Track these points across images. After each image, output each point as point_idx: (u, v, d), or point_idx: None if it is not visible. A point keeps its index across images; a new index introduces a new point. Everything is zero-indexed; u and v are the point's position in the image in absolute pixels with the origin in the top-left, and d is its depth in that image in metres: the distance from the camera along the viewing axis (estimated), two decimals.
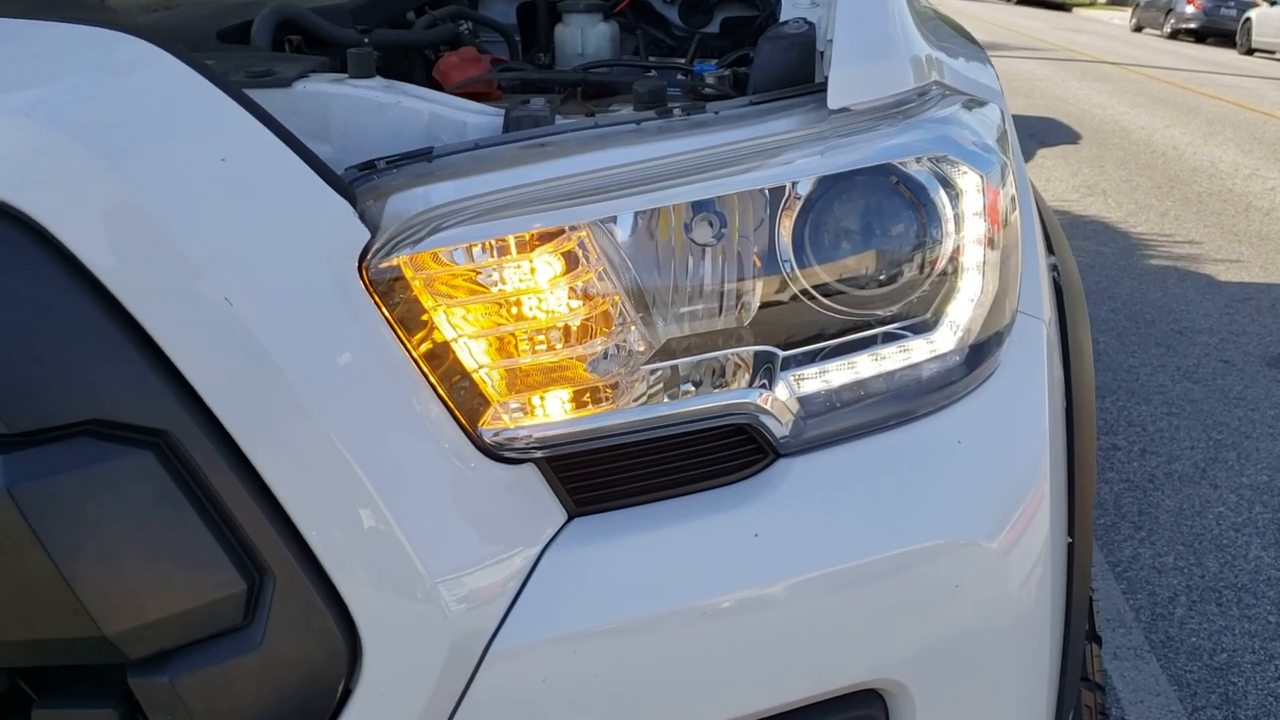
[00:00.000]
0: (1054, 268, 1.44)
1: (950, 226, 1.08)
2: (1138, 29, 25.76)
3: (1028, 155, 8.98)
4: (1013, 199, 1.13)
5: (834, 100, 1.12)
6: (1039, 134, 10.09)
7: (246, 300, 0.86)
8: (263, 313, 0.87)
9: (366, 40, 1.64)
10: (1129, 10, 27.21)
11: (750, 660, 0.99)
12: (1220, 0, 21.82)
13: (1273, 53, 19.26)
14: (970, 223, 1.09)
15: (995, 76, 1.59)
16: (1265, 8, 19.51)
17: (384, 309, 0.94)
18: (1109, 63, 17.55)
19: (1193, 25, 22.70)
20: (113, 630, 0.84)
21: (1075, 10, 34.77)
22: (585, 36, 1.96)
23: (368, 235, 0.95)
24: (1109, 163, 9.01)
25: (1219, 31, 21.70)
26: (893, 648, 1.03)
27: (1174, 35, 23.45)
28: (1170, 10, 23.68)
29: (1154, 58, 18.75)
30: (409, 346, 0.96)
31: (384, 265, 0.94)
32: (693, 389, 1.06)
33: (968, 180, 1.08)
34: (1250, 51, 19.76)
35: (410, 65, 1.82)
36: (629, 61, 1.80)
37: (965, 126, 1.11)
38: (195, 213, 0.86)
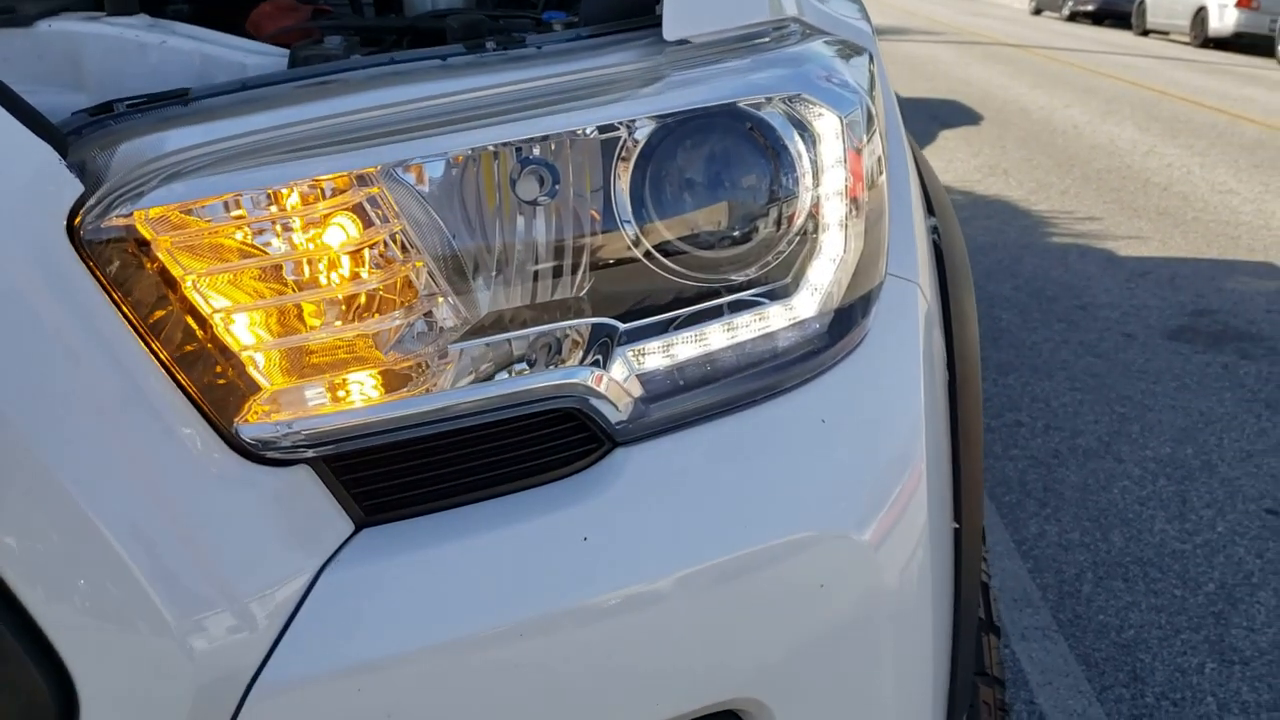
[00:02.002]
0: (934, 229, 1.31)
1: (807, 177, 0.94)
2: (1037, 12, 26.21)
3: (930, 137, 9.04)
4: (881, 149, 1.00)
5: (670, 30, 0.97)
6: (941, 116, 10.14)
7: None
8: None
9: None
10: None
11: (577, 689, 0.83)
12: None
13: (1167, 33, 19.73)
14: (830, 172, 0.95)
15: (871, 33, 1.46)
16: None
17: (104, 281, 0.76)
18: (1010, 45, 17.81)
19: (1090, 8, 23.17)
20: None
21: None
22: None
23: (80, 189, 0.76)
24: (1010, 143, 9.07)
25: (1115, 14, 22.16)
26: (749, 662, 0.88)
27: (1072, 18, 23.92)
28: None
29: (1053, 39, 19.07)
30: (138, 325, 0.77)
31: (105, 224, 0.76)
32: (525, 368, 0.90)
33: (825, 124, 0.94)
34: (1145, 33, 20.23)
35: (234, 22, 1.62)
36: (467, 10, 1.62)
37: (823, 63, 0.97)
38: None
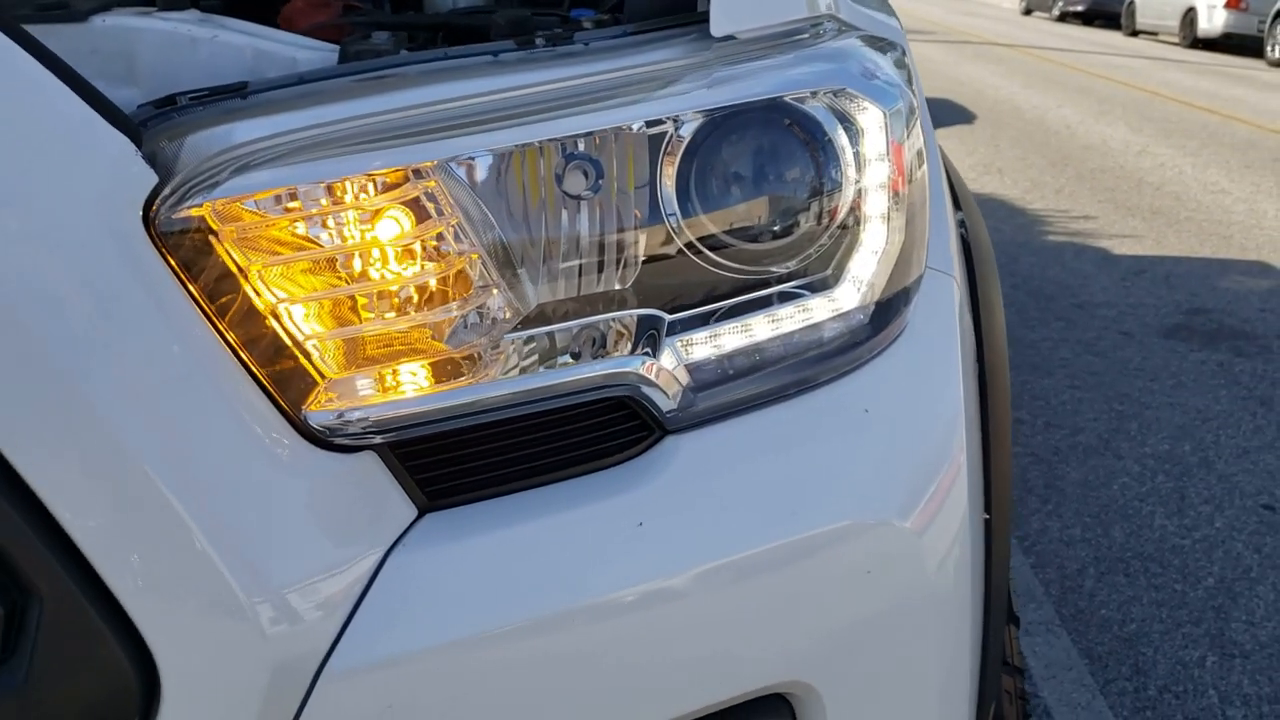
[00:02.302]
0: (961, 224, 1.33)
1: (851, 170, 0.96)
2: (1027, 12, 26.29)
3: None
4: (921, 142, 1.02)
5: (717, 26, 0.98)
6: (935, 115, 10.03)
7: None
8: (15, 271, 0.70)
9: None
10: None
11: (635, 671, 0.85)
12: None
13: (1156, 34, 19.82)
14: (873, 166, 0.96)
15: (900, 29, 1.48)
16: None
17: (178, 269, 0.78)
18: (1001, 45, 17.87)
19: (1080, 8, 23.25)
20: None
21: None
22: None
23: (155, 180, 0.77)
24: (1004, 142, 9.11)
25: (1105, 14, 22.24)
26: (798, 646, 0.90)
27: (1062, 18, 23.99)
28: None
29: (1044, 39, 19.14)
30: (212, 314, 0.79)
31: (177, 216, 0.77)
32: (570, 360, 0.91)
33: (869, 117, 0.96)
34: (1135, 33, 20.31)
35: (263, 16, 1.64)
36: (494, 8, 1.64)
37: (865, 58, 0.98)
38: None
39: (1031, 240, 6.15)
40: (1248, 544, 3.09)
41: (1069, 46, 17.92)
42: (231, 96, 0.89)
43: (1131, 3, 20.40)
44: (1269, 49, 15.97)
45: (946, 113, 10.38)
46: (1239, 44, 17.09)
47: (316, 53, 1.07)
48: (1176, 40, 18.62)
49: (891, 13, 1.54)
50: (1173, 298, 5.16)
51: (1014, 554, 3.03)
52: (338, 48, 1.08)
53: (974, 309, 1.22)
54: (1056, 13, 24.20)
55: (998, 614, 1.17)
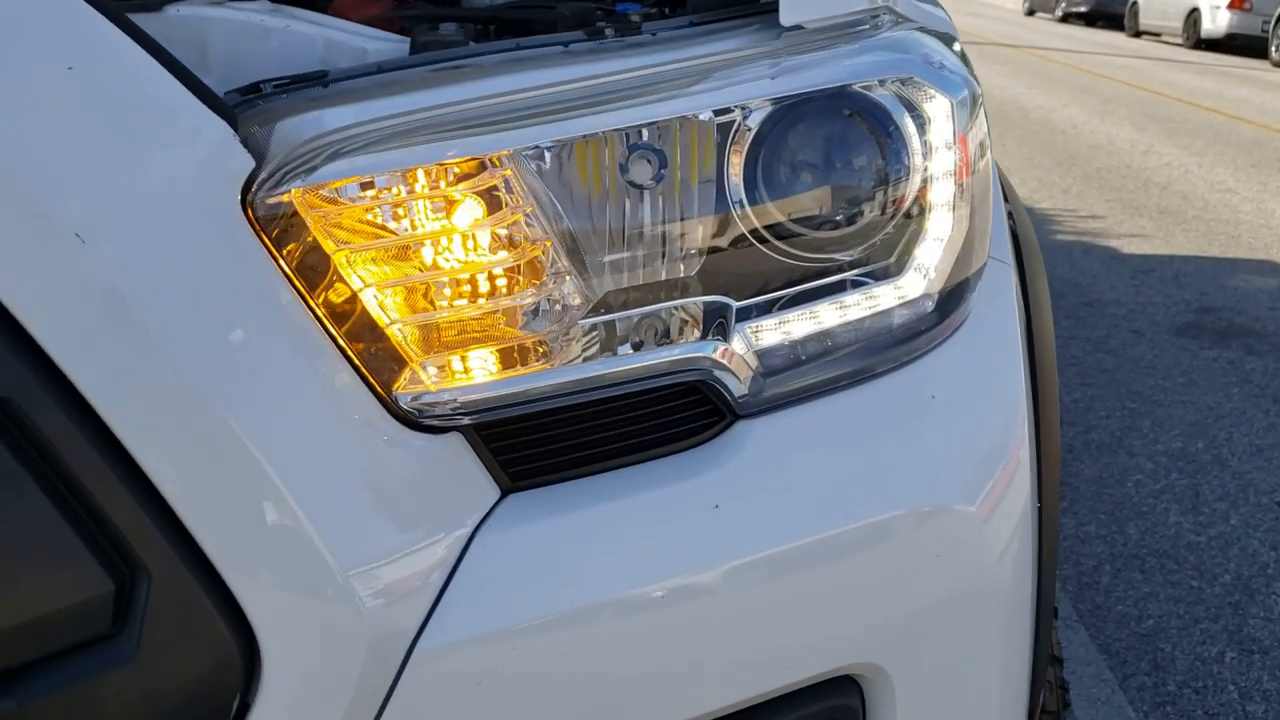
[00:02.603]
0: (1010, 215, 1.34)
1: (918, 158, 0.97)
2: (1030, 13, 26.33)
3: None
4: (985, 131, 1.03)
5: (786, 16, 0.99)
6: None
7: (102, 237, 0.70)
8: (123, 253, 0.71)
9: None
10: None
11: (713, 650, 0.87)
12: None
13: (1159, 34, 19.85)
14: (939, 154, 0.98)
15: (948, 19, 1.49)
16: None
17: (275, 251, 0.79)
18: (1005, 45, 17.89)
19: (1083, 9, 23.28)
20: None
21: None
22: None
23: (252, 163, 0.79)
24: (1010, 141, 9.13)
25: (1108, 15, 22.27)
26: (869, 628, 0.92)
27: (1065, 18, 24.03)
28: None
29: (1048, 40, 19.17)
30: (307, 296, 0.80)
31: (273, 200, 0.79)
32: (637, 346, 0.93)
33: (936, 106, 0.97)
34: (1138, 34, 20.34)
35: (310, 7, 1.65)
36: (544, 4, 1.65)
37: (931, 48, 1.00)
38: (34, 132, 0.70)
39: (1041, 239, 6.08)
40: (1264, 541, 3.10)
41: (1072, 47, 17.94)
42: (313, 85, 0.90)
43: (1134, 3, 20.43)
44: (1273, 49, 16.00)
45: None
46: (1243, 45, 17.10)
47: (386, 43, 1.08)
48: (1180, 41, 18.64)
49: (937, 3, 1.56)
50: (1182, 296, 5.18)
51: None
52: (407, 39, 1.09)
53: (1024, 298, 1.23)
54: (1059, 13, 24.22)
55: (1047, 602, 1.19)
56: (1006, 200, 1.36)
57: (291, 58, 1.05)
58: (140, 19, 1.04)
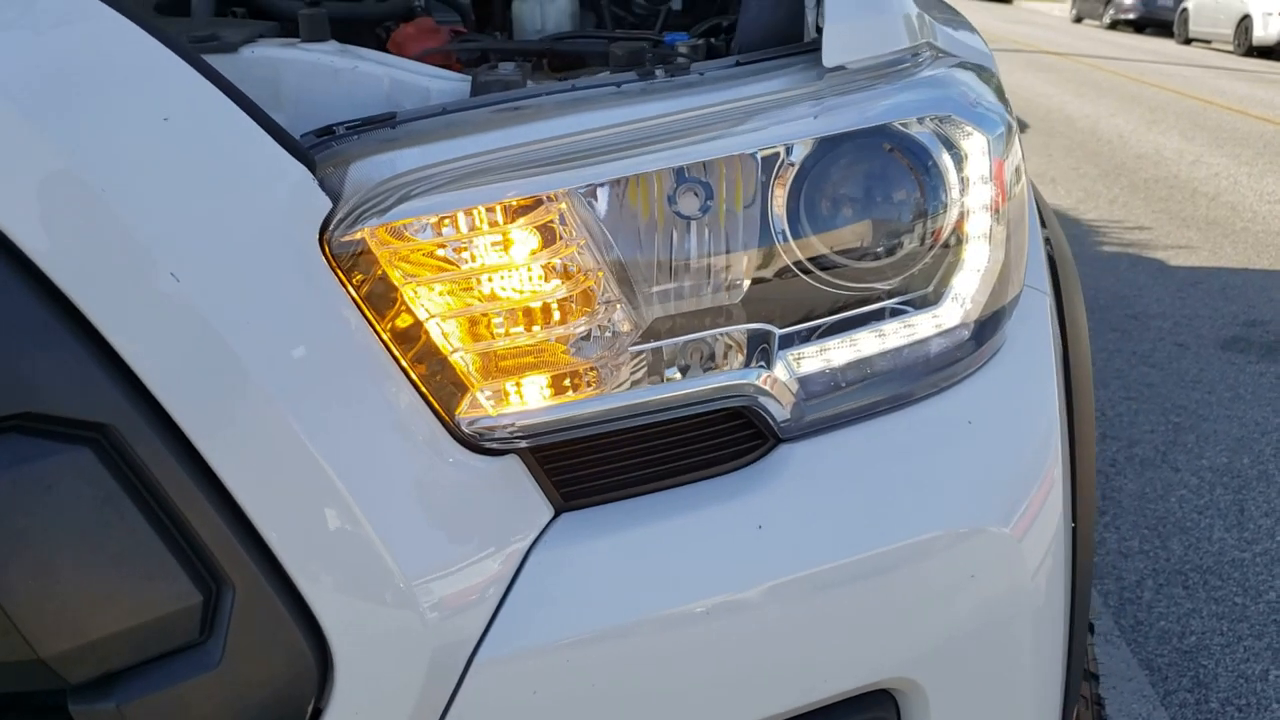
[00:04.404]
0: (1047, 240, 1.38)
1: (955, 192, 1.01)
2: (1078, 20, 26.11)
3: None
4: (1019, 165, 1.07)
5: (829, 57, 1.04)
6: None
7: (195, 276, 0.76)
8: (213, 290, 0.77)
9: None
10: (1069, 2, 27.56)
11: (756, 663, 0.91)
12: None
13: (1209, 42, 19.59)
14: (976, 188, 1.02)
15: (987, 48, 1.53)
16: None
17: (349, 286, 0.85)
18: (1052, 53, 17.75)
19: (1131, 16, 23.05)
20: (50, 652, 0.74)
21: (1016, 2, 35.19)
22: (544, 11, 1.86)
23: (329, 204, 0.85)
24: (1056, 151, 9.07)
25: (1157, 21, 22.04)
26: (906, 644, 0.96)
27: (1113, 26, 23.80)
28: (1109, 1, 24.04)
29: (1095, 47, 18.99)
30: (377, 327, 0.86)
31: (348, 238, 0.85)
32: (682, 372, 0.98)
33: (973, 142, 1.01)
34: (1188, 41, 20.10)
35: (362, 42, 1.72)
36: (594, 34, 1.71)
37: (968, 86, 1.04)
38: (135, 179, 0.76)
39: (1085, 251, 6.13)
40: None
41: (1120, 55, 17.76)
42: (382, 126, 0.96)
43: (1184, 10, 20.18)
44: None
45: None
46: None
47: (449, 83, 1.14)
48: (1231, 48, 18.38)
49: (975, 31, 1.59)
50: (1229, 309, 5.13)
51: None
52: (468, 78, 1.15)
53: (1060, 323, 1.27)
54: (1108, 20, 23.99)
55: (1081, 619, 1.22)
56: (1044, 226, 1.39)
57: (359, 96, 1.11)
58: (218, 59, 1.11)
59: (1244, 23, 17.85)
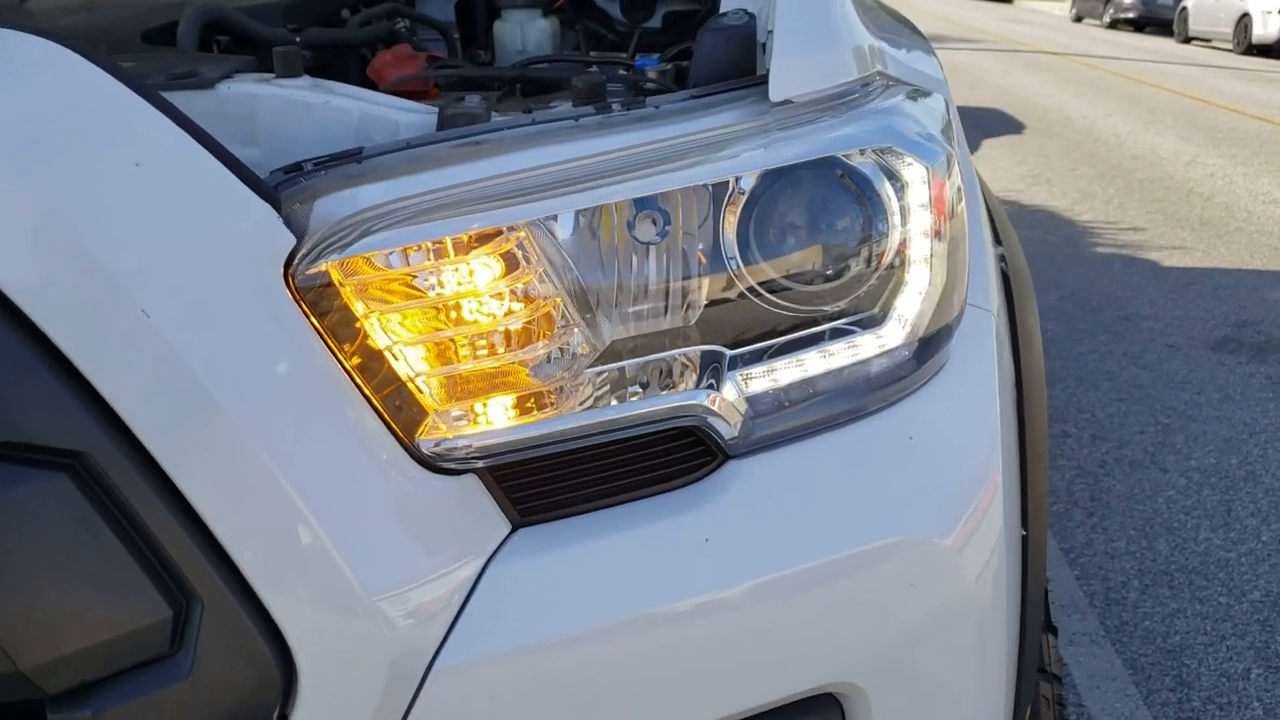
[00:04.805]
0: (1001, 258, 1.42)
1: (896, 219, 1.06)
2: (1078, 19, 26.14)
3: (973, 146, 9.10)
4: (959, 190, 1.12)
5: (775, 92, 1.09)
6: (984, 124, 10.19)
7: (165, 312, 0.82)
8: (183, 325, 0.83)
9: (298, 40, 1.59)
10: (1069, 1, 27.58)
11: (704, 669, 0.96)
12: None
13: (1209, 40, 19.61)
14: (916, 215, 1.07)
15: (939, 66, 1.58)
16: None
17: (312, 318, 0.90)
18: (1051, 53, 17.78)
19: (1131, 15, 23.07)
20: (29, 664, 0.79)
21: (1016, 2, 35.20)
22: (525, 33, 1.93)
23: (293, 240, 0.90)
24: (1053, 152, 9.11)
25: (1156, 21, 22.06)
26: (848, 650, 1.01)
27: (1113, 25, 23.81)
28: (1109, 0, 24.06)
29: (1094, 47, 19.01)
30: (340, 356, 0.92)
31: (311, 272, 0.90)
32: (640, 391, 1.03)
33: (913, 172, 1.06)
34: (1188, 40, 20.12)
35: (345, 66, 1.77)
36: (569, 57, 1.76)
37: (909, 117, 1.09)
38: (107, 221, 0.82)
39: (1080, 252, 6.17)
40: None
41: (1119, 54, 17.78)
42: (349, 162, 1.01)
43: (1184, 9, 20.20)
44: None
45: (995, 123, 10.40)
46: None
47: (416, 115, 1.19)
48: (1230, 47, 18.40)
49: (930, 51, 1.64)
50: (1221, 310, 5.17)
51: (1059, 566, 3.08)
52: (435, 109, 1.20)
53: (1013, 339, 1.31)
54: (1107, 20, 24.01)
55: (1034, 623, 1.26)
56: (999, 244, 1.44)
57: (331, 131, 1.17)
58: (196, 95, 1.16)
59: (1243, 21, 17.87)
